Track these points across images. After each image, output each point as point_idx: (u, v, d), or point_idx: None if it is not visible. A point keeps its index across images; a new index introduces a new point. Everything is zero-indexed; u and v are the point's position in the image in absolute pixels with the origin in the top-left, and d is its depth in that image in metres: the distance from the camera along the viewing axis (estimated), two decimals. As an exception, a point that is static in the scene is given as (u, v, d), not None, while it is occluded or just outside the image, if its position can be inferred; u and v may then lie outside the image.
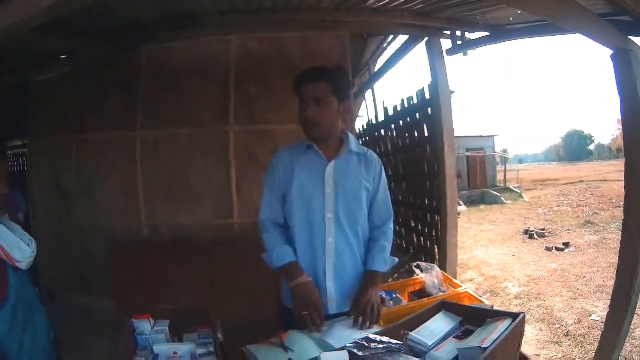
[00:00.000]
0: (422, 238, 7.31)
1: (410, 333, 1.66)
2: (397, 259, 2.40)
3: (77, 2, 2.60)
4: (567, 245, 9.73)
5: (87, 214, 5.60)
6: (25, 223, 5.03)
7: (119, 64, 5.52)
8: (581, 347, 4.76)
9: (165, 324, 2.16)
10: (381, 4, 4.67)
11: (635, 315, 3.38)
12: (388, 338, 1.55)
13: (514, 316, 1.75)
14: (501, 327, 1.68)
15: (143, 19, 4.88)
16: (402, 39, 6.60)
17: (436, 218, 6.44)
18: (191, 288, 4.63)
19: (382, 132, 9.13)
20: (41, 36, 4.31)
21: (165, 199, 5.41)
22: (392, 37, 7.04)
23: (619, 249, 3.38)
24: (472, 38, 5.55)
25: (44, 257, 5.43)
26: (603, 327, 3.60)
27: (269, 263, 2.26)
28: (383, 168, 2.43)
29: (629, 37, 3.20)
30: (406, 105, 7.28)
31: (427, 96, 6.26)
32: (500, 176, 28.77)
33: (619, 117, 3.36)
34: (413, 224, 7.64)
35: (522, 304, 6.25)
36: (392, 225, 2.44)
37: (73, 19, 4.00)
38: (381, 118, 9.10)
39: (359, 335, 1.78)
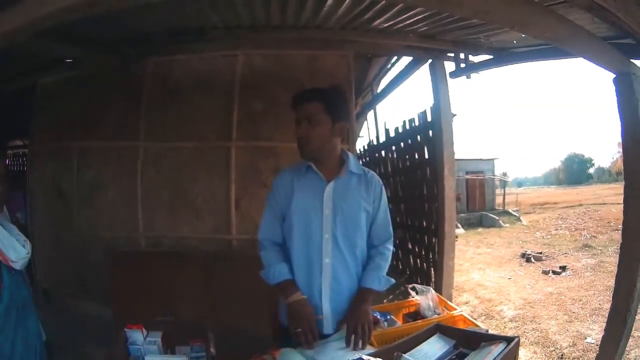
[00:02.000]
0: (418, 260, 7.28)
1: (404, 355, 1.66)
2: (393, 280, 2.40)
3: (82, 11, 2.61)
4: (563, 268, 9.76)
5: (87, 221, 5.60)
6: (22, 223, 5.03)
7: (124, 74, 5.54)
8: (575, 369, 4.76)
9: (158, 335, 2.16)
10: (387, 25, 4.70)
11: (631, 337, 3.38)
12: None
13: (508, 340, 1.75)
14: (495, 351, 1.68)
15: (150, 31, 4.91)
16: (405, 60, 6.63)
17: (433, 240, 6.41)
18: (187, 300, 4.63)
19: (383, 153, 9.11)
20: (47, 42, 4.34)
21: (165, 211, 5.41)
22: (396, 58, 7.08)
23: (615, 272, 3.38)
24: (475, 61, 5.57)
25: (42, 260, 5.45)
26: (598, 349, 3.59)
27: (266, 279, 2.28)
28: (384, 189, 2.42)
29: (631, 60, 3.22)
30: (407, 126, 7.27)
31: (429, 118, 6.25)
32: (499, 199, 28.73)
33: (619, 140, 3.37)
34: (410, 246, 7.61)
35: (517, 327, 6.24)
36: (390, 246, 2.44)
37: (80, 27, 4.04)
38: (382, 139, 9.08)
39: (352, 356, 1.78)
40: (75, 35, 4.50)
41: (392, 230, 2.46)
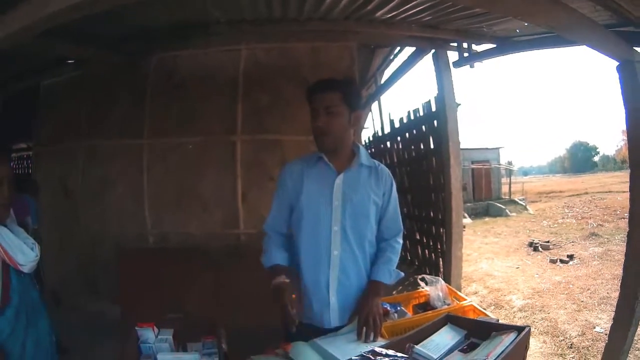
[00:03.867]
0: (426, 250, 7.29)
1: (416, 346, 1.66)
2: (402, 273, 2.39)
3: (85, 8, 2.62)
4: (571, 257, 9.73)
5: (95, 220, 5.62)
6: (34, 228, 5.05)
7: (128, 71, 5.56)
8: (585, 359, 4.75)
9: (169, 333, 2.15)
10: (389, 15, 4.68)
11: (639, 326, 3.37)
12: (394, 351, 1.54)
13: (519, 329, 1.74)
14: (506, 340, 1.68)
15: (153, 28, 4.91)
16: (409, 50, 6.60)
17: (441, 230, 6.41)
18: (197, 296, 4.64)
19: (388, 144, 9.11)
20: (50, 42, 4.34)
21: (172, 207, 5.43)
22: (399, 48, 7.06)
23: (623, 260, 3.37)
24: (478, 50, 5.55)
25: (50, 260, 5.46)
26: (607, 338, 3.59)
27: (263, 264, 2.29)
28: (394, 182, 2.40)
29: (634, 47, 3.20)
30: (412, 117, 7.27)
31: (433, 108, 6.24)
32: (505, 188, 28.71)
33: (624, 128, 3.36)
34: (418, 237, 7.62)
35: (526, 316, 6.24)
36: (400, 240, 2.43)
37: (83, 26, 4.04)
38: (387, 130, 9.10)
39: (363, 347, 1.78)
40: (78, 35, 4.50)
41: (402, 224, 2.45)
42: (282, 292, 2.10)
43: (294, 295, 2.13)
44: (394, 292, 4.68)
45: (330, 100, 2.18)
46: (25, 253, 2.63)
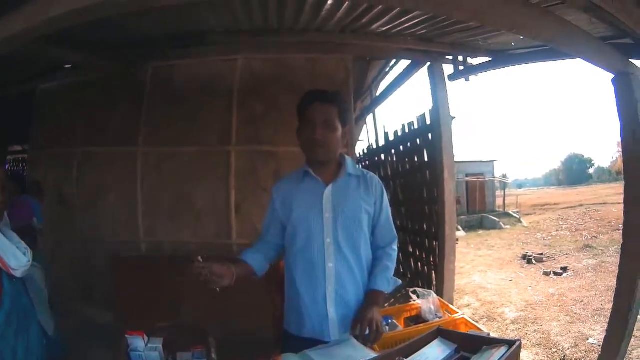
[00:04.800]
0: (419, 263, 7.27)
1: None
2: (400, 281, 2.39)
3: (84, 14, 2.63)
4: (565, 269, 9.78)
5: (89, 227, 5.60)
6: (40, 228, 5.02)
7: (125, 79, 5.56)
8: (577, 370, 4.76)
9: (159, 342, 2.15)
10: (385, 28, 4.72)
11: (633, 337, 3.38)
12: (383, 364, 1.55)
13: (510, 343, 1.74)
14: (497, 354, 1.68)
15: (150, 36, 4.93)
16: (404, 63, 6.64)
17: (434, 244, 6.41)
18: (189, 305, 4.61)
19: (382, 156, 9.07)
20: (48, 47, 4.35)
21: (165, 216, 5.42)
22: (394, 61, 7.09)
23: (617, 272, 3.38)
24: (474, 63, 5.59)
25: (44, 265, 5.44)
26: (600, 350, 3.60)
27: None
28: (384, 190, 2.39)
29: (630, 60, 3.23)
30: (407, 130, 7.26)
31: (428, 121, 6.24)
32: (499, 201, 28.80)
33: (619, 140, 3.38)
34: (411, 249, 7.60)
35: (519, 328, 6.24)
36: (395, 247, 2.42)
37: (80, 32, 4.05)
38: (382, 142, 9.06)
39: (354, 358, 1.77)
40: (76, 41, 4.51)
41: (395, 232, 2.44)
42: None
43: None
44: (386, 305, 4.67)
45: (329, 113, 2.19)
46: (17, 258, 2.63)
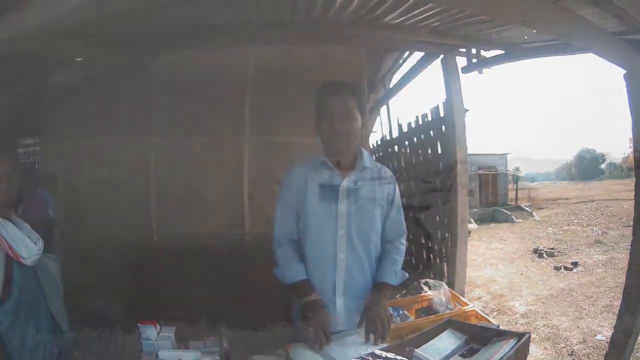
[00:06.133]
0: (431, 255, 7.25)
1: (416, 350, 1.67)
2: (407, 274, 2.39)
3: (95, 10, 2.64)
4: (575, 264, 9.75)
5: (100, 219, 5.62)
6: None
7: (136, 71, 5.56)
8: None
9: (171, 330, 2.17)
10: (398, 20, 4.69)
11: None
12: (393, 354, 1.55)
13: (519, 336, 1.75)
14: (506, 346, 1.69)
15: (161, 28, 4.93)
16: (417, 55, 6.61)
17: (446, 235, 6.41)
18: (201, 296, 4.65)
19: (396, 148, 9.06)
20: (58, 41, 4.36)
21: (177, 207, 5.43)
22: (408, 53, 7.06)
23: (626, 268, 3.36)
24: (487, 56, 5.55)
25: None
26: (608, 346, 3.58)
27: (280, 279, 2.26)
28: (397, 184, 2.40)
29: (642, 55, 3.20)
30: (420, 122, 7.25)
31: (442, 114, 6.23)
32: (511, 194, 28.57)
33: (631, 135, 3.36)
34: (423, 241, 7.61)
35: (529, 322, 6.23)
36: (404, 241, 2.43)
37: (91, 26, 4.06)
38: (395, 134, 9.06)
39: (363, 350, 1.78)
40: (86, 35, 4.52)
41: (405, 225, 2.45)
42: (318, 309, 2.11)
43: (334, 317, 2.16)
44: (398, 296, 4.68)
45: (348, 104, 2.20)
46: (28, 247, 2.67)
